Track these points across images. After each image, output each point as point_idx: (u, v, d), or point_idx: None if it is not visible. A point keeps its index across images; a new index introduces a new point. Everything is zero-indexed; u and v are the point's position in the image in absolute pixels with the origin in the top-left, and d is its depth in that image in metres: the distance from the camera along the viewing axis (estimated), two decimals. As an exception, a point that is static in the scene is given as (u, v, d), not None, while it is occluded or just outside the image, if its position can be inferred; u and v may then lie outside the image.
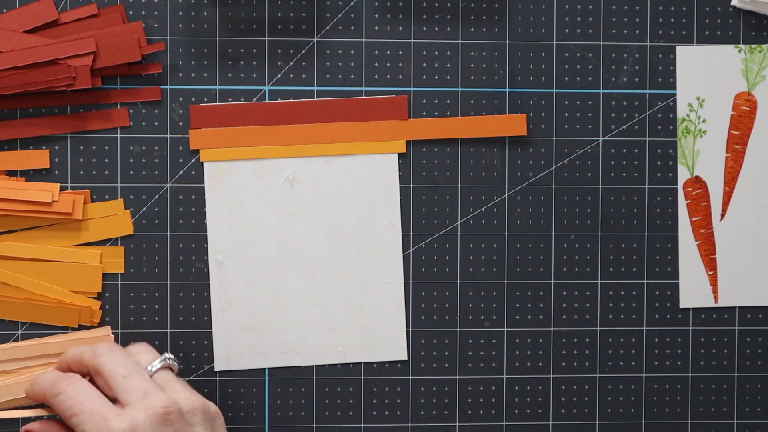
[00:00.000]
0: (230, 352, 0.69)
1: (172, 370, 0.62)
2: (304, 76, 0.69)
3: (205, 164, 0.68)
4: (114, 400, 0.59)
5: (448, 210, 0.70)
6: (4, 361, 0.67)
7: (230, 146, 0.68)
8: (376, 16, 0.69)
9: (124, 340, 0.68)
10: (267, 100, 0.68)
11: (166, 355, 0.62)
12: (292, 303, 0.69)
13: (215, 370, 0.69)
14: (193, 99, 0.68)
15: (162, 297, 0.69)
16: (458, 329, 0.70)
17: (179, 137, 0.68)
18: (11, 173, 0.67)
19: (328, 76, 0.69)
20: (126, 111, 0.68)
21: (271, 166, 0.68)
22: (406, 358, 0.70)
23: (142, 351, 0.63)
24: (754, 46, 0.71)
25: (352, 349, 0.69)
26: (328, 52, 0.69)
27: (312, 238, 0.69)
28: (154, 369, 0.61)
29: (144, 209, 0.68)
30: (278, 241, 0.68)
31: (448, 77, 0.69)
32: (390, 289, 0.69)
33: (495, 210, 0.70)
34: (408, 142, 0.69)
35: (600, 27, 0.70)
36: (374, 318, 0.69)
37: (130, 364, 0.60)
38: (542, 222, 0.70)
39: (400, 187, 0.69)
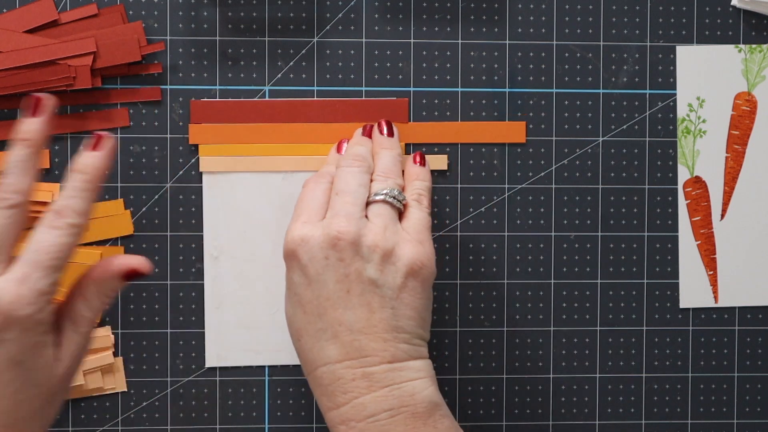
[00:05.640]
0: (223, 349, 0.69)
1: (404, 208, 0.61)
2: (304, 76, 0.69)
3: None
4: None
5: (448, 210, 0.70)
6: (4, 361, 0.67)
7: (229, 142, 0.68)
8: (376, 16, 0.69)
9: (124, 340, 0.68)
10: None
11: (394, 194, 0.61)
12: (292, 303, 0.69)
13: (206, 366, 0.69)
14: (193, 99, 0.68)
15: (162, 297, 0.69)
16: (458, 329, 0.70)
17: (179, 137, 0.68)
18: (11, 173, 0.67)
19: (328, 76, 0.69)
20: (126, 111, 0.68)
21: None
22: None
23: (386, 176, 0.62)
24: (754, 46, 0.71)
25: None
26: (328, 52, 0.69)
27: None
28: (375, 198, 0.61)
29: (144, 209, 0.68)
30: (274, 239, 0.68)
31: (448, 77, 0.69)
32: (390, 289, 0.69)
33: (495, 210, 0.70)
34: (407, 143, 0.69)
35: (600, 27, 0.70)
36: (374, 318, 0.69)
37: (354, 184, 0.60)
38: (542, 222, 0.70)
39: (400, 187, 0.69)
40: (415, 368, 0.58)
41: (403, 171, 0.64)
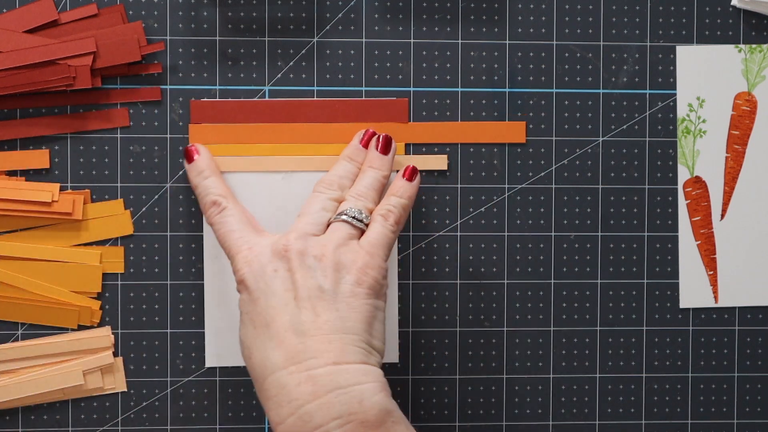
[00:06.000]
0: (223, 349, 0.69)
1: (363, 226, 0.62)
2: (304, 76, 0.69)
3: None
4: None
5: (448, 210, 0.70)
6: (4, 361, 0.67)
7: (229, 142, 0.68)
8: (376, 16, 0.69)
9: (124, 340, 0.68)
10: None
11: (355, 215, 0.61)
12: (292, 303, 0.69)
13: (206, 365, 0.69)
14: (193, 99, 0.68)
15: (162, 297, 0.69)
16: (458, 329, 0.70)
17: (179, 137, 0.68)
18: (11, 173, 0.67)
19: (328, 76, 0.69)
20: (126, 111, 0.68)
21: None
22: (397, 361, 0.70)
23: (358, 198, 0.63)
24: (754, 46, 0.71)
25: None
26: (328, 52, 0.69)
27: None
28: (337, 218, 0.62)
29: (144, 209, 0.68)
30: (278, 241, 0.68)
31: (448, 77, 0.69)
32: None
33: (495, 210, 0.70)
34: (407, 143, 0.69)
35: (600, 27, 0.70)
36: (374, 318, 0.69)
37: (316, 208, 0.62)
38: (542, 222, 0.70)
39: (400, 187, 0.69)
40: (361, 371, 0.57)
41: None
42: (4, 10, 0.67)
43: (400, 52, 0.69)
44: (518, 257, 0.70)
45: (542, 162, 0.70)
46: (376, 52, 0.69)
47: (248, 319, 0.60)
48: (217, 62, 0.68)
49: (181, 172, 0.68)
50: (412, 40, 0.69)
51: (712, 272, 0.71)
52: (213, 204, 0.64)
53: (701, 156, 0.71)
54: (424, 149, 0.69)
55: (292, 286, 0.59)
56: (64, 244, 0.67)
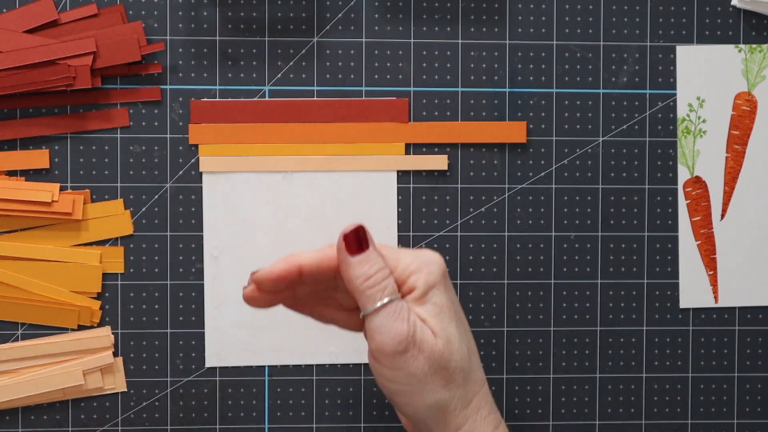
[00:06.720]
0: (223, 349, 0.69)
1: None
2: (304, 76, 0.69)
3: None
4: None
5: (448, 210, 0.70)
6: (4, 361, 0.67)
7: (229, 142, 0.68)
8: (376, 16, 0.69)
9: (123, 340, 0.68)
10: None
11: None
12: (291, 303, 0.69)
13: (206, 366, 0.69)
14: (193, 99, 0.68)
15: (162, 297, 0.69)
16: (458, 329, 0.70)
17: (179, 137, 0.68)
18: (11, 173, 0.67)
19: (328, 76, 0.69)
20: (126, 111, 0.68)
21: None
22: (405, 358, 0.70)
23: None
24: (754, 46, 0.71)
25: (344, 350, 0.69)
26: (328, 52, 0.69)
27: (308, 237, 0.69)
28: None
29: (144, 209, 0.68)
30: (274, 239, 0.68)
31: (448, 77, 0.69)
32: (390, 289, 0.69)
33: (495, 210, 0.70)
34: (407, 143, 0.69)
35: (600, 27, 0.70)
36: (374, 318, 0.69)
37: None
38: (542, 222, 0.70)
39: (401, 187, 0.69)
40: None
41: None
42: (4, 10, 0.67)
43: (400, 52, 0.69)
44: (518, 257, 0.70)
45: (542, 162, 0.70)
46: (376, 52, 0.69)
47: (458, 320, 0.56)
48: (217, 62, 0.68)
49: (181, 172, 0.68)
50: (412, 40, 0.69)
51: (712, 272, 0.71)
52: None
53: (701, 156, 0.71)
54: (424, 149, 0.69)
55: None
56: (64, 244, 0.67)
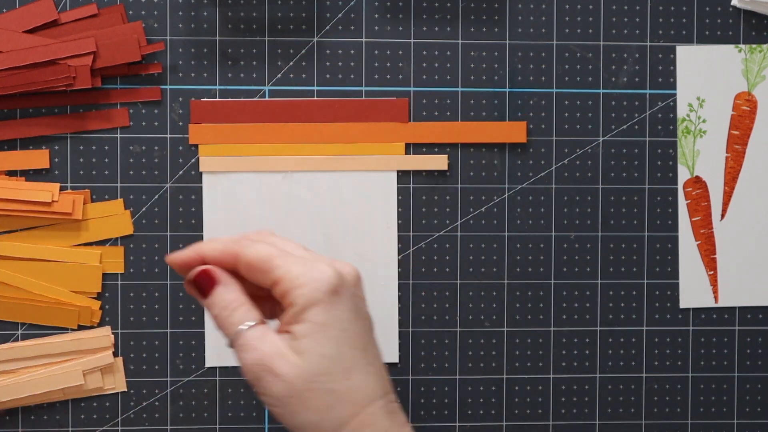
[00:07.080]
0: (223, 349, 0.68)
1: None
2: (304, 76, 0.69)
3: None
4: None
5: (448, 210, 0.70)
6: (4, 361, 0.67)
7: (229, 142, 0.68)
8: (376, 16, 0.69)
9: (123, 340, 0.68)
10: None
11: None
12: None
13: (206, 366, 0.69)
14: (193, 99, 0.68)
15: (162, 297, 0.69)
16: (458, 329, 0.70)
17: (179, 137, 0.68)
18: (11, 173, 0.67)
19: (328, 76, 0.69)
20: (126, 111, 0.68)
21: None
22: (397, 361, 0.70)
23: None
24: (754, 46, 0.71)
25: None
26: (328, 52, 0.69)
27: (307, 237, 0.69)
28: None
29: (144, 209, 0.68)
30: (278, 241, 0.68)
31: (448, 77, 0.69)
32: (384, 292, 0.69)
33: (495, 210, 0.70)
34: (407, 143, 0.69)
35: (600, 27, 0.70)
36: (374, 318, 0.69)
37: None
38: (542, 222, 0.70)
39: (401, 187, 0.69)
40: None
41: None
42: (4, 10, 0.67)
43: (400, 52, 0.69)
44: (518, 257, 0.70)
45: (542, 162, 0.70)
46: (376, 52, 0.69)
47: (344, 338, 0.54)
48: (217, 62, 0.68)
49: (181, 172, 0.68)
50: (412, 40, 0.69)
51: (712, 272, 0.71)
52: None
53: (701, 156, 0.71)
54: (424, 149, 0.69)
55: (367, 314, 0.56)
56: (64, 244, 0.67)
